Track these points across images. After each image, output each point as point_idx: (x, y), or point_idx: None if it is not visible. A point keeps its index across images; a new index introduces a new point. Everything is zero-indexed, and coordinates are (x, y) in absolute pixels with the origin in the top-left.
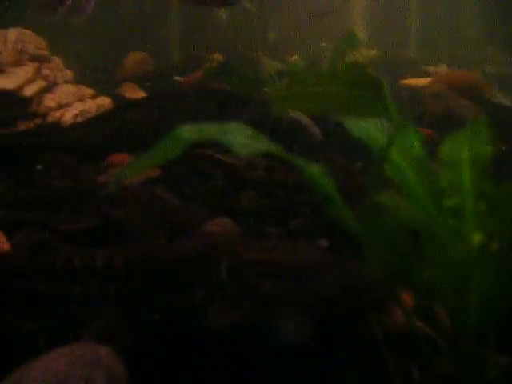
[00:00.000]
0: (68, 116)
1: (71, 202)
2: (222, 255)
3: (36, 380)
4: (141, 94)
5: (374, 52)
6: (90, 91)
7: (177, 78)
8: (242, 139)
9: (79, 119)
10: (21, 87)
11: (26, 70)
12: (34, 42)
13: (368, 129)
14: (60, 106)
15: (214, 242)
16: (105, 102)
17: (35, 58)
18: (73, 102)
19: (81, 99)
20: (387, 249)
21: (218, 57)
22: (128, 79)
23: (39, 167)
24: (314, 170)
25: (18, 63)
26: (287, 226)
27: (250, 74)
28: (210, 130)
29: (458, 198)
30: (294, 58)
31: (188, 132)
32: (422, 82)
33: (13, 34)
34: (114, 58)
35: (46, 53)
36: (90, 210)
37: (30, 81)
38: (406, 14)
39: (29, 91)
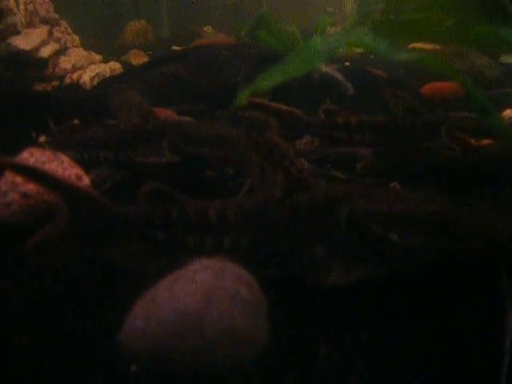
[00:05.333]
0: (86, 78)
1: (147, 140)
2: (341, 208)
3: (185, 289)
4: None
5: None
6: (98, 57)
7: (174, 47)
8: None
9: (95, 82)
10: (37, 48)
11: (41, 32)
12: (43, 4)
13: None
14: (75, 69)
15: (332, 194)
16: (116, 66)
17: (46, 21)
18: (87, 65)
19: (93, 63)
20: None
21: (209, 29)
22: (128, 47)
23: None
24: None
25: (31, 25)
26: (352, 169)
27: (285, 31)
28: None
29: None
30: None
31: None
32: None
33: None
34: (111, 27)
35: (55, 16)
36: (166, 147)
37: (44, 43)
38: None
39: (45, 52)
